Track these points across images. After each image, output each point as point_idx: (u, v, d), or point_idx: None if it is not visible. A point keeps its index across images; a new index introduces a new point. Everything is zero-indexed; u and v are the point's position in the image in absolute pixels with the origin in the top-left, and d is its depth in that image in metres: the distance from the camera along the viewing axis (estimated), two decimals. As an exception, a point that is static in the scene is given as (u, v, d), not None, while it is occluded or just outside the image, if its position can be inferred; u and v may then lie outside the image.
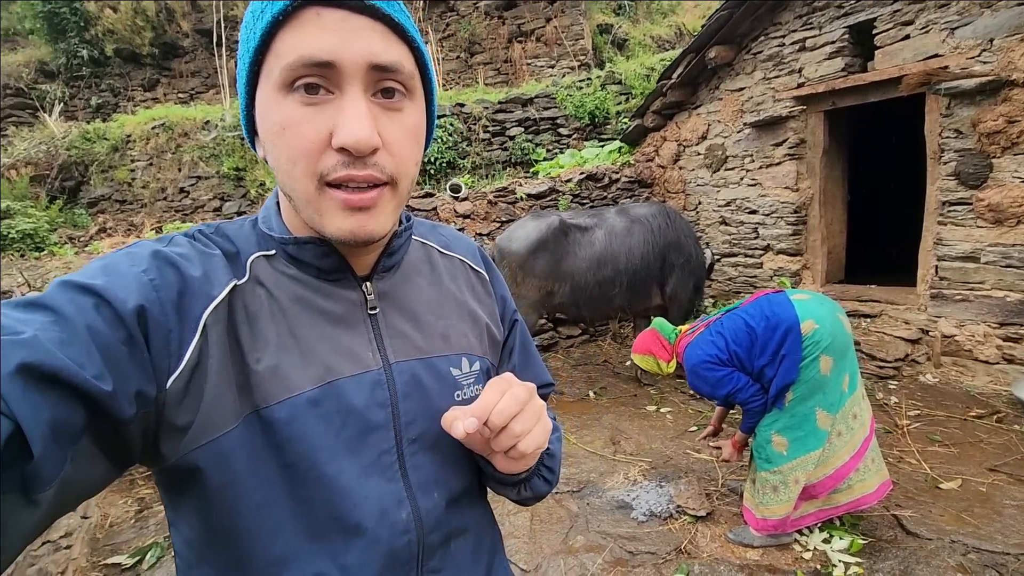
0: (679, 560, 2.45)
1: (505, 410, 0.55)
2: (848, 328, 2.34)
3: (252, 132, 0.60)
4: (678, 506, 2.80)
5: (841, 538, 2.46)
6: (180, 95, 10.13)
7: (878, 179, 7.09)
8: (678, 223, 4.24)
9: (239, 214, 6.82)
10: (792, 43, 4.64)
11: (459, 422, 0.54)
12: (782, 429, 2.37)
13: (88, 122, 8.58)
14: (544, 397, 0.84)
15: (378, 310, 0.65)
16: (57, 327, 0.43)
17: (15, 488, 0.39)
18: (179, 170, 7.21)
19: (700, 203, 5.78)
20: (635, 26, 10.96)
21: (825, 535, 2.50)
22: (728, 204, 5.47)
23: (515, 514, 2.89)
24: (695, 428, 3.64)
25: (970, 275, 3.85)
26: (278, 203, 0.65)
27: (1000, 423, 3.28)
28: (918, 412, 3.53)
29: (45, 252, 5.70)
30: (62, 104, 9.56)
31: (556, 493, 3.06)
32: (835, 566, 2.31)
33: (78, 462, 0.43)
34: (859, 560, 2.32)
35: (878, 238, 6.98)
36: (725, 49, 5.03)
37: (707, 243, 5.45)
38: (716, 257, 5.56)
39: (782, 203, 4.97)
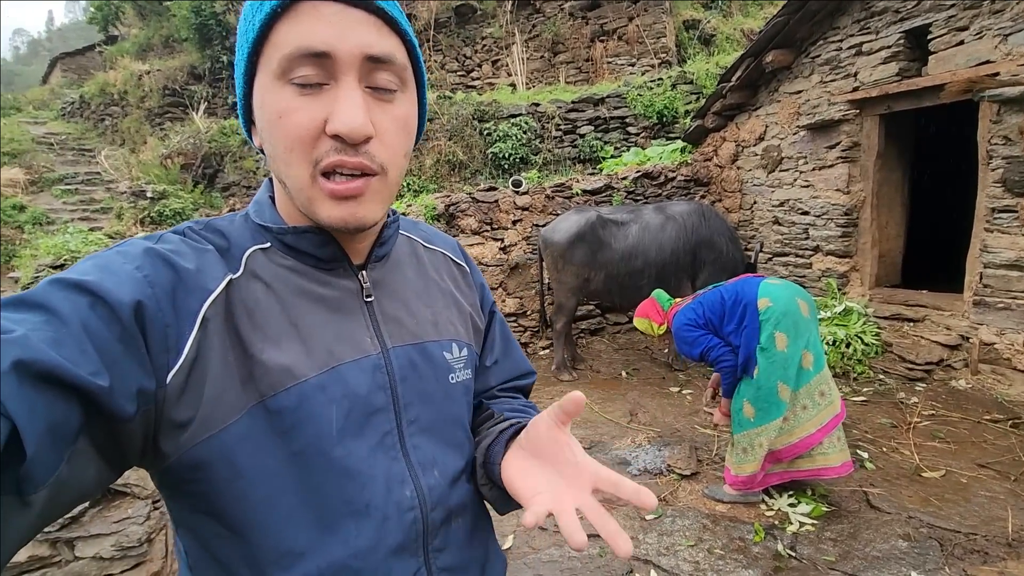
0: (657, 506, 2.90)
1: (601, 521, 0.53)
2: (806, 312, 2.66)
3: (249, 122, 0.62)
4: (668, 465, 3.23)
5: (807, 504, 2.78)
6: (298, 94, 11.53)
7: (946, 184, 6.74)
8: (713, 222, 4.53)
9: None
10: (849, 47, 4.71)
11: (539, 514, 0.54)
12: (752, 399, 2.74)
13: (225, 118, 10.14)
14: (527, 387, 0.89)
15: (373, 298, 0.67)
16: (51, 326, 0.43)
17: (8, 489, 0.38)
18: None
19: (755, 203, 5.93)
20: (726, 20, 10.85)
21: (792, 500, 2.82)
22: (781, 204, 5.59)
23: (530, 459, 3.46)
24: (711, 411, 3.98)
25: (1013, 283, 3.82)
26: (271, 196, 0.66)
27: (1015, 428, 3.33)
28: (933, 413, 3.63)
29: (190, 227, 7.03)
30: (206, 103, 11.29)
31: (569, 447, 3.59)
32: (791, 524, 2.66)
33: (73, 463, 0.42)
34: (814, 522, 2.65)
35: (943, 244, 6.65)
36: (783, 53, 5.16)
37: (760, 242, 5.60)
38: (760, 255, 5.70)
39: (832, 205, 5.05)
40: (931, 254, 6.31)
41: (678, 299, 3.11)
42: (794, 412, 2.69)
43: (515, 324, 5.52)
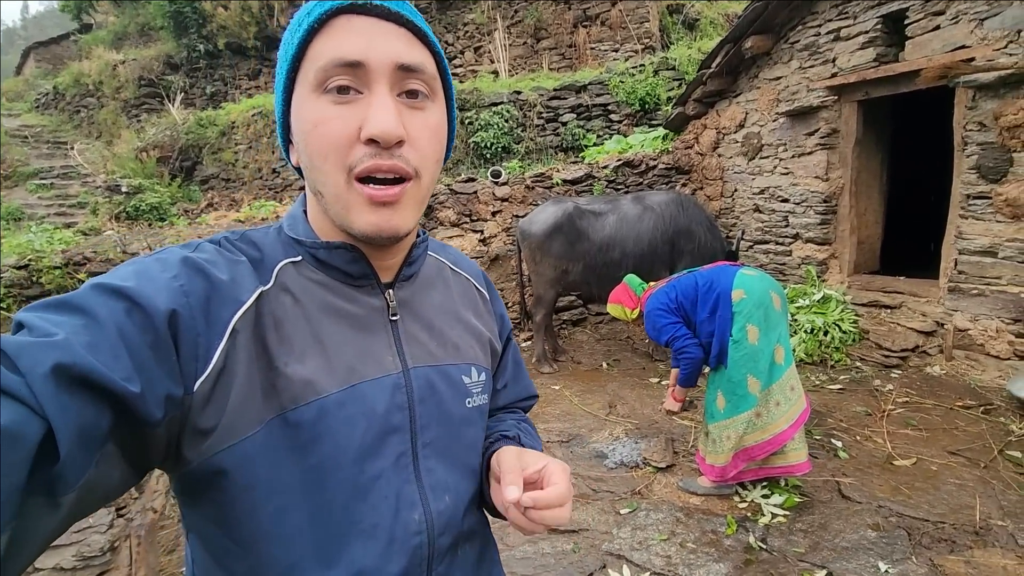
0: (632, 499, 2.91)
1: (558, 516, 0.61)
2: (778, 305, 2.65)
3: (287, 141, 0.64)
4: (644, 458, 3.23)
5: (780, 495, 2.80)
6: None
7: (924, 170, 6.75)
8: (691, 211, 4.51)
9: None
10: (827, 32, 4.67)
11: (512, 493, 0.58)
12: (724, 391, 2.73)
13: (202, 109, 9.95)
14: (528, 407, 0.93)
15: (398, 317, 0.67)
16: (88, 330, 0.44)
17: (41, 491, 0.39)
18: (272, 152, 8.28)
19: (736, 190, 5.91)
20: (710, 4, 10.74)
21: (765, 492, 2.84)
22: (762, 192, 5.57)
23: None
24: (688, 400, 3.99)
25: (987, 270, 3.84)
26: (304, 210, 0.67)
27: (986, 415, 3.37)
28: (907, 400, 3.66)
29: (166, 222, 6.92)
30: (183, 93, 11.07)
31: (547, 442, 3.59)
32: (763, 515, 2.67)
33: (101, 465, 0.43)
34: (786, 513, 2.67)
35: (921, 231, 6.69)
36: (762, 39, 5.11)
37: (743, 229, 5.59)
38: (744, 243, 5.70)
39: (812, 192, 5.04)
40: (911, 241, 6.33)
41: (652, 283, 3.09)
42: (767, 408, 2.68)
43: (496, 316, 5.49)
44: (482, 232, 5.42)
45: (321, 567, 0.57)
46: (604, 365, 4.86)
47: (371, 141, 0.55)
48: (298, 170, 0.64)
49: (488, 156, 7.43)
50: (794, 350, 4.35)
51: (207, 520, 0.57)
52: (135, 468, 0.49)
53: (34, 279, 3.95)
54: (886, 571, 2.23)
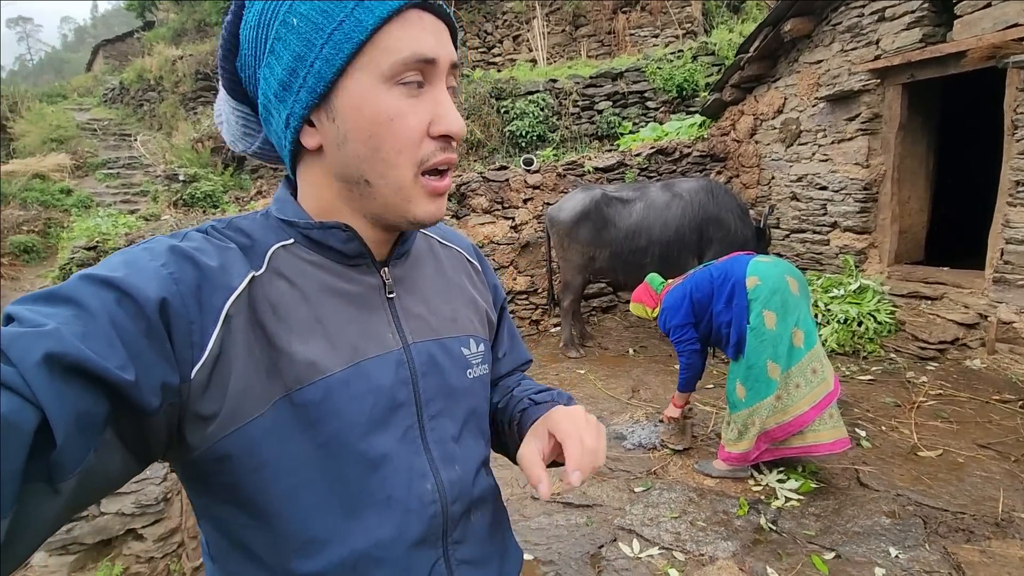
0: (647, 478, 2.98)
1: (586, 461, 0.62)
2: (795, 289, 2.64)
3: (303, 122, 0.60)
4: (662, 441, 3.29)
5: (796, 480, 2.81)
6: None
7: (976, 156, 6.38)
8: (722, 199, 4.47)
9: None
10: (871, 13, 4.50)
11: (543, 485, 0.60)
12: (744, 379, 2.76)
13: (253, 102, 10.39)
14: (525, 371, 0.95)
15: (395, 294, 0.68)
16: (80, 320, 0.45)
17: (39, 477, 0.40)
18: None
19: (773, 178, 5.78)
20: (757, -14, 10.40)
21: (781, 476, 2.85)
22: (799, 179, 5.44)
23: (529, 432, 3.58)
24: (711, 386, 4.00)
25: (1035, 260, 3.67)
26: (292, 192, 0.67)
27: (1024, 409, 3.26)
28: (940, 392, 3.56)
29: (219, 209, 7.34)
30: (236, 86, 11.56)
31: (569, 422, 3.69)
32: (777, 499, 2.70)
33: (101, 453, 0.44)
34: (800, 497, 2.68)
35: (971, 219, 6.34)
36: (802, 21, 4.97)
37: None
38: (777, 231, 5.59)
39: (851, 180, 4.89)
40: (960, 230, 6.04)
41: (671, 280, 3.13)
42: (787, 391, 2.69)
43: (526, 302, 5.61)
44: (513, 219, 5.52)
45: (341, 538, 0.59)
46: (631, 351, 4.91)
47: (444, 137, 0.59)
48: (291, 156, 0.63)
49: (523, 145, 7.51)
50: (825, 340, 4.29)
51: (221, 502, 0.58)
52: (136, 457, 0.50)
53: (101, 259, 4.32)
54: (896, 556, 2.24)
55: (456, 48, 0.64)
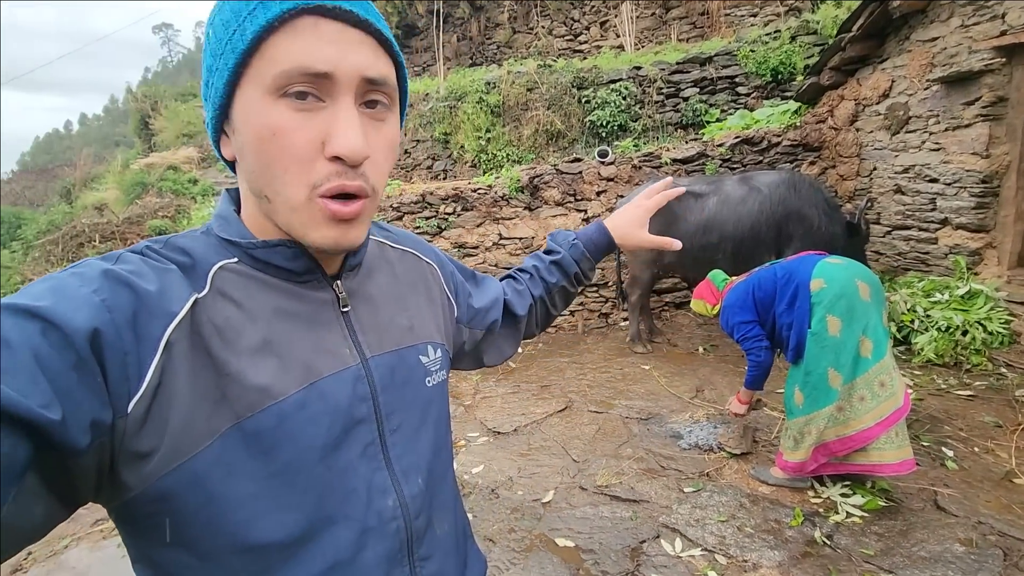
0: (699, 480, 2.93)
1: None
2: (866, 295, 2.46)
3: (218, 132, 0.59)
4: (720, 443, 3.21)
5: (862, 496, 2.64)
6: (415, 68, 12.21)
7: None
8: (805, 193, 4.17)
9: (445, 172, 8.36)
10: (999, -18, 3.97)
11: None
12: (802, 385, 2.63)
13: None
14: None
15: (350, 307, 0.66)
16: None
17: None
18: (404, 134, 9.04)
19: (875, 168, 5.29)
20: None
21: (846, 491, 2.69)
22: (906, 171, 4.94)
23: (585, 425, 3.64)
24: (781, 391, 3.80)
25: None
26: (235, 208, 0.64)
27: None
28: (1056, 414, 3.15)
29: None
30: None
31: (625, 418, 3.69)
32: (838, 513, 2.56)
33: (20, 502, 0.40)
34: (864, 514, 2.53)
35: None
36: (915, -5, 4.48)
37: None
38: (880, 228, 5.13)
39: (967, 171, 4.37)
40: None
41: (734, 277, 3.02)
42: (850, 403, 2.54)
43: (596, 294, 5.60)
44: (585, 211, 5.52)
45: (294, 567, 0.56)
46: (701, 349, 4.77)
47: (336, 158, 0.53)
48: (229, 164, 0.62)
49: (603, 135, 7.42)
50: (922, 349, 3.93)
51: (161, 544, 0.53)
52: (62, 502, 0.46)
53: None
54: (964, 587, 2.07)
55: (397, 58, 0.59)
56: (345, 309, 0.66)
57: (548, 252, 1.04)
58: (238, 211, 0.64)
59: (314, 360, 0.60)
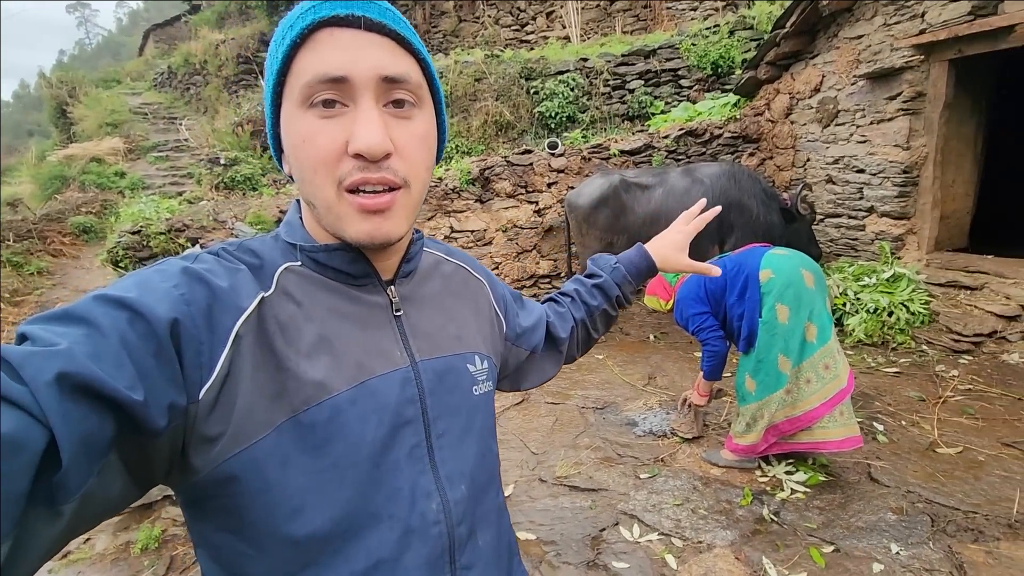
0: (654, 465, 3.02)
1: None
2: (810, 283, 2.59)
3: (279, 150, 0.65)
4: (672, 429, 3.32)
5: (804, 472, 2.80)
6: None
7: None
8: (744, 184, 4.35)
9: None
10: (917, -16, 4.24)
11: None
12: (753, 372, 2.75)
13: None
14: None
15: (402, 312, 0.69)
16: (91, 340, 0.45)
17: (42, 499, 0.40)
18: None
19: (808, 160, 5.57)
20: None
21: (790, 468, 2.85)
22: (836, 162, 5.23)
23: (542, 417, 3.67)
24: (729, 375, 3.97)
25: (1084, 250, 3.45)
26: (300, 216, 0.69)
27: (1059, 408, 3.11)
28: (971, 387, 3.43)
29: (257, 192, 7.62)
30: (275, 69, 11.81)
31: (582, 408, 3.75)
32: (783, 490, 2.70)
33: (103, 476, 0.44)
34: (807, 490, 2.68)
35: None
36: (843, -6, 4.72)
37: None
38: (814, 216, 5.41)
39: (890, 162, 4.67)
40: (1011, 216, 5.69)
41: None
42: (797, 385, 2.67)
43: (549, 285, 5.64)
44: (537, 203, 5.54)
45: (339, 562, 0.58)
46: (651, 337, 4.90)
47: (358, 155, 0.57)
48: (291, 178, 0.66)
49: (552, 126, 7.44)
50: (853, 330, 4.18)
51: (219, 529, 0.57)
52: (136, 481, 0.49)
53: (144, 243, 4.63)
54: (897, 552, 2.22)
55: (420, 56, 0.62)
56: (398, 313, 0.69)
57: (589, 275, 1.07)
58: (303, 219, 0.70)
59: (366, 360, 0.63)
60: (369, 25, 0.57)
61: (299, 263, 0.64)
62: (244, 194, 7.59)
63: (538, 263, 5.54)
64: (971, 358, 3.81)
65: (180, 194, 7.76)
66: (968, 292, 4.20)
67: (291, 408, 0.56)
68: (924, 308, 4.20)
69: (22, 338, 0.46)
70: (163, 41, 18.04)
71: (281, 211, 5.44)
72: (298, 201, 0.70)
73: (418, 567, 0.62)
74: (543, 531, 2.60)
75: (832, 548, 2.29)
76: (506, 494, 2.90)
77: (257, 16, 12.77)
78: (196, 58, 12.45)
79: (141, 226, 4.68)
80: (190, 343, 0.51)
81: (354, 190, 0.58)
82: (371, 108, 0.57)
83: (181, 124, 10.86)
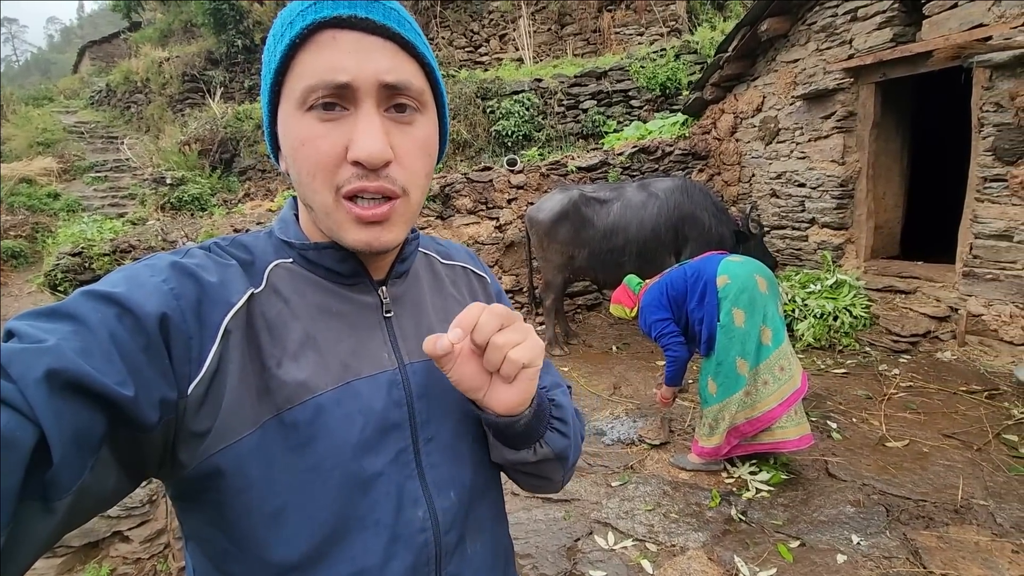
0: (624, 473, 3.06)
1: (489, 322, 0.57)
2: (764, 288, 2.73)
3: (275, 147, 0.63)
4: (640, 436, 3.37)
5: (767, 472, 2.90)
6: (311, 76, 11.68)
7: (949, 153, 6.50)
8: (696, 197, 4.55)
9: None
10: (844, 12, 4.59)
11: (443, 337, 0.56)
12: (714, 375, 2.84)
13: (240, 103, 10.39)
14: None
15: (392, 313, 0.67)
16: (80, 336, 0.45)
17: (35, 495, 0.40)
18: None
19: (753, 175, 5.88)
20: (741, -17, 10.48)
21: (753, 468, 2.94)
22: (779, 177, 5.53)
23: (511, 429, 3.66)
24: (691, 381, 4.09)
25: (1002, 254, 3.77)
26: (295, 213, 0.68)
27: (990, 400, 3.35)
28: (911, 384, 3.66)
29: (206, 212, 7.35)
30: (223, 88, 11.55)
31: (550, 419, 3.77)
32: (748, 490, 2.78)
33: (96, 471, 0.44)
34: (771, 488, 2.77)
35: (945, 214, 6.46)
36: (779, 21, 5.05)
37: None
38: (761, 229, 5.68)
39: (828, 176, 4.99)
40: (936, 225, 6.15)
41: (647, 280, 3.21)
42: (755, 387, 2.78)
43: (512, 300, 5.67)
44: (498, 219, 5.58)
45: (322, 566, 0.56)
46: (614, 348, 5.00)
47: (357, 163, 0.55)
48: (287, 175, 0.64)
49: (509, 144, 7.56)
50: (802, 335, 4.39)
51: (205, 523, 0.56)
52: (130, 475, 0.49)
53: (86, 265, 4.37)
54: (858, 543, 2.33)
55: (424, 60, 0.59)
56: (388, 314, 0.67)
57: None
58: (298, 217, 0.69)
59: (352, 360, 0.61)
60: (372, 28, 0.55)
61: (290, 260, 0.64)
62: (192, 214, 7.31)
63: (500, 279, 5.57)
64: (909, 357, 4.07)
65: (121, 215, 7.40)
66: (903, 296, 4.50)
67: (275, 406, 0.55)
68: (865, 312, 4.47)
69: (9, 335, 0.45)
70: (100, 59, 17.33)
71: (235, 230, 5.27)
72: (294, 198, 0.69)
73: (402, 574, 0.60)
74: (518, 544, 2.58)
75: (798, 543, 2.38)
76: (479, 510, 2.86)
77: (204, 34, 12.47)
78: (138, 76, 12.01)
79: (82, 247, 4.42)
80: (179, 338, 0.51)
81: (351, 197, 0.57)
82: (372, 114, 0.56)
83: (123, 143, 10.38)
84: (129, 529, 2.53)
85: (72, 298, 0.48)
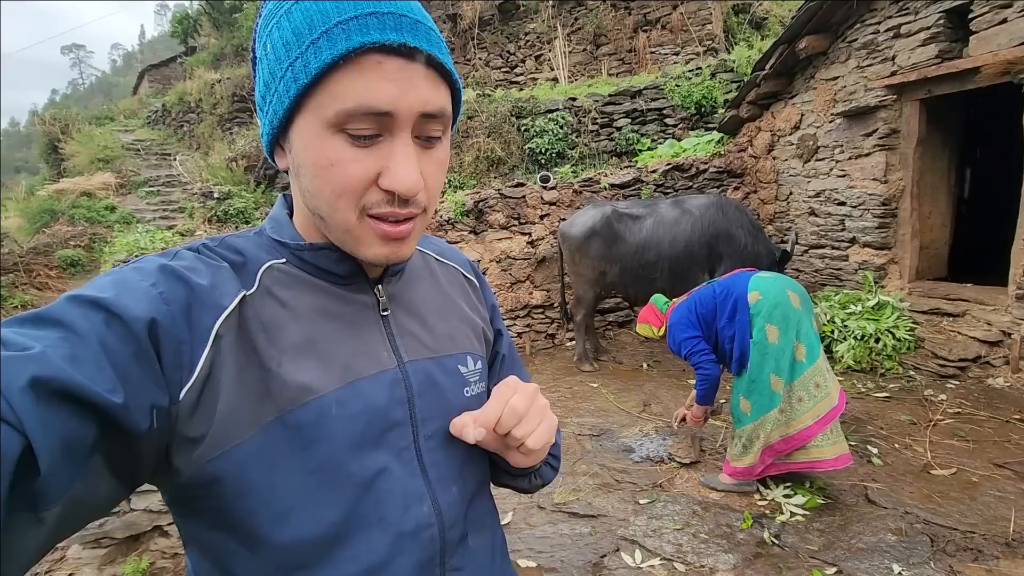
0: (652, 491, 3.01)
1: (508, 420, 0.61)
2: (797, 303, 2.67)
3: (273, 143, 0.61)
4: (670, 454, 3.31)
5: (803, 495, 2.80)
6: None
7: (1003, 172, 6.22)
8: (732, 215, 4.50)
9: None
10: (887, 30, 4.51)
11: (469, 429, 0.61)
12: (747, 393, 2.78)
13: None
14: None
15: (389, 312, 0.67)
16: (68, 342, 0.44)
17: (23, 506, 0.39)
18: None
19: (791, 193, 5.77)
20: (779, 3, 10.41)
21: (788, 491, 2.85)
22: (817, 195, 5.42)
23: (539, 443, 3.64)
24: (723, 400, 4.00)
25: (1058, 276, 3.59)
26: (288, 212, 0.67)
27: (1047, 429, 3.17)
28: (959, 411, 3.49)
29: (250, 225, 7.65)
30: (269, 108, 12.05)
31: (578, 435, 3.74)
32: (782, 513, 2.70)
33: (87, 480, 0.43)
34: (806, 512, 2.68)
35: (999, 236, 6.17)
36: (818, 39, 5.00)
37: (796, 231, 5.46)
38: (798, 247, 5.55)
39: (869, 195, 4.86)
40: (988, 246, 5.89)
41: (675, 299, 3.18)
42: (790, 404, 2.71)
43: (543, 316, 5.68)
44: (530, 234, 5.63)
45: (329, 565, 0.56)
46: (644, 366, 4.93)
47: (391, 191, 0.55)
48: (285, 171, 0.63)
49: (542, 162, 7.63)
50: (842, 356, 4.25)
51: (207, 527, 0.56)
52: (122, 483, 0.48)
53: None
54: (900, 573, 2.22)
55: (454, 83, 0.59)
56: (385, 313, 0.67)
57: None
58: (291, 215, 0.67)
59: (352, 361, 0.61)
60: (416, 55, 0.53)
61: (284, 260, 0.63)
62: (236, 227, 7.63)
63: (531, 293, 5.60)
64: (957, 382, 3.88)
65: (171, 227, 7.77)
66: (951, 319, 4.31)
67: (276, 409, 0.55)
68: (909, 335, 4.30)
69: None
70: (158, 81, 18.40)
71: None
72: (284, 196, 0.68)
73: (409, 571, 0.60)
74: (543, 558, 2.56)
75: (835, 570, 2.28)
76: (504, 521, 2.86)
77: (253, 57, 13.07)
78: (191, 96, 12.68)
79: (135, 255, 4.67)
80: (170, 343, 0.50)
81: (378, 216, 0.57)
82: (408, 144, 0.55)
83: (175, 160, 10.94)
84: (168, 524, 2.62)
85: (59, 303, 0.47)
